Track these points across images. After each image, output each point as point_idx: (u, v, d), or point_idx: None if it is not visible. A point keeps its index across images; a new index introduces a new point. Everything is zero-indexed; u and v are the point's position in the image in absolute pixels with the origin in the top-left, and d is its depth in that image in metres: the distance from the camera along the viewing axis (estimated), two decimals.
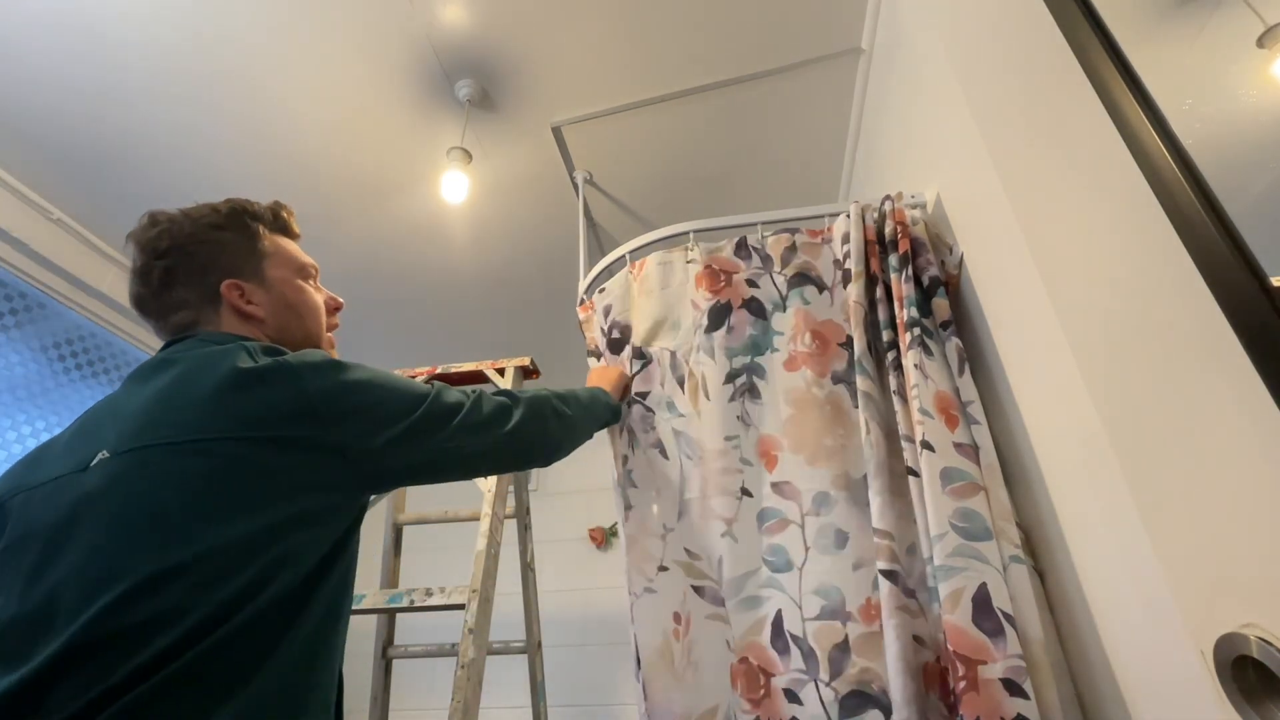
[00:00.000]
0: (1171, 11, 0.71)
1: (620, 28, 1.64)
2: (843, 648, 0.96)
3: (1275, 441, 0.50)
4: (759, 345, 1.22)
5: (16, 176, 1.79)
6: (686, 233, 1.37)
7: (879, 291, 1.17)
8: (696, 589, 1.09)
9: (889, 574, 0.94)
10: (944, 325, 1.11)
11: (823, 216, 1.32)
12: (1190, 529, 0.61)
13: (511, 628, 1.79)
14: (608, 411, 1.17)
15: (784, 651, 1.00)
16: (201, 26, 1.52)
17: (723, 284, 1.27)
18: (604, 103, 1.81)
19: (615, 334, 1.33)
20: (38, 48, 1.51)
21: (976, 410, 1.03)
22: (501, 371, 1.69)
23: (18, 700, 0.51)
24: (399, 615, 1.91)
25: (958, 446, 0.99)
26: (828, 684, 0.95)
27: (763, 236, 1.32)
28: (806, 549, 1.06)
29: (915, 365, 1.05)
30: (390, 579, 1.81)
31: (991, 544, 0.92)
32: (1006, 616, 0.87)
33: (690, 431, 1.19)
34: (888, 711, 0.90)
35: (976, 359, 1.12)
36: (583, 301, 1.47)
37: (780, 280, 1.27)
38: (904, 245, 1.16)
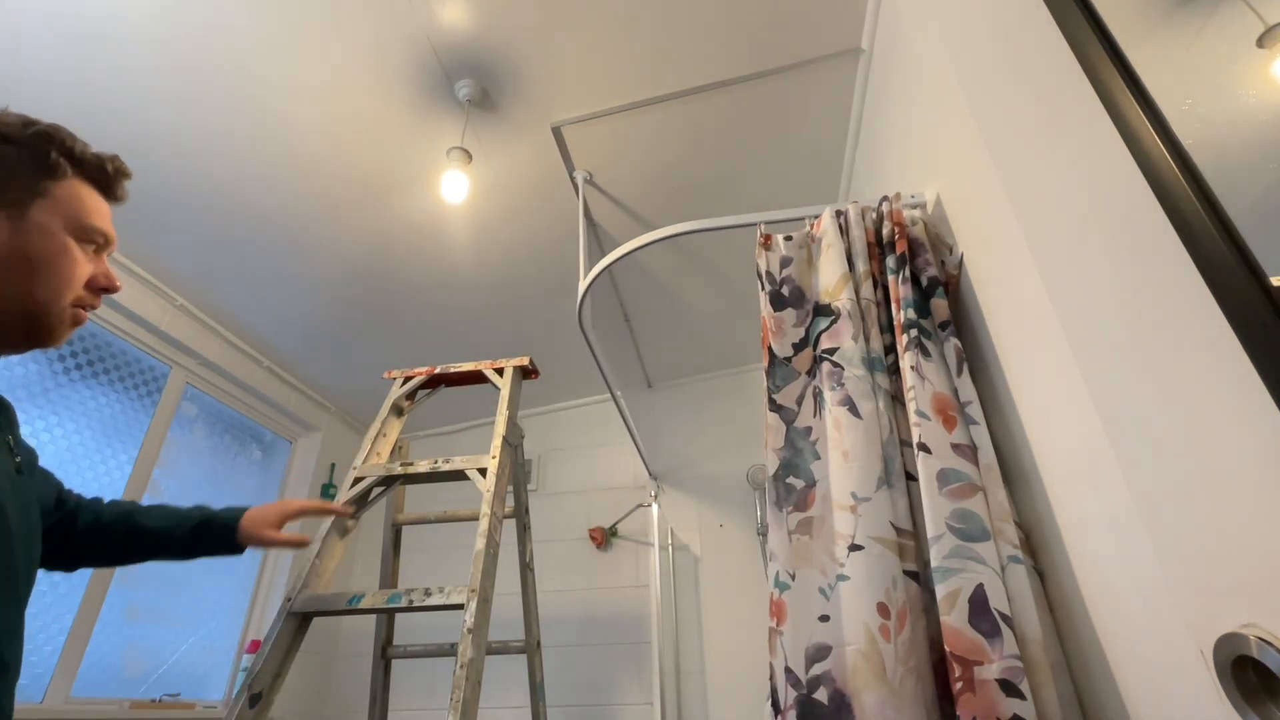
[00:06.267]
0: (1171, 11, 0.70)
1: (620, 28, 1.64)
2: None
3: (1275, 441, 0.50)
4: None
5: None
6: (686, 233, 1.37)
7: (879, 294, 1.17)
8: (911, 574, 0.94)
9: (913, 575, 0.94)
10: (943, 325, 1.11)
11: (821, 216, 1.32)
12: (1190, 529, 0.61)
13: (511, 628, 1.80)
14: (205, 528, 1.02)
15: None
16: (202, 26, 1.52)
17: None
18: (604, 103, 1.81)
19: (785, 290, 1.24)
20: (38, 48, 1.51)
21: (975, 410, 1.03)
22: (500, 371, 1.69)
23: None
24: (398, 615, 1.91)
25: (955, 447, 0.99)
26: None
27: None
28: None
29: (912, 367, 1.05)
30: (389, 579, 1.81)
31: (989, 544, 0.92)
32: (1004, 617, 0.86)
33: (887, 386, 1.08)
34: None
35: (976, 359, 1.12)
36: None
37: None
38: (901, 246, 1.16)
